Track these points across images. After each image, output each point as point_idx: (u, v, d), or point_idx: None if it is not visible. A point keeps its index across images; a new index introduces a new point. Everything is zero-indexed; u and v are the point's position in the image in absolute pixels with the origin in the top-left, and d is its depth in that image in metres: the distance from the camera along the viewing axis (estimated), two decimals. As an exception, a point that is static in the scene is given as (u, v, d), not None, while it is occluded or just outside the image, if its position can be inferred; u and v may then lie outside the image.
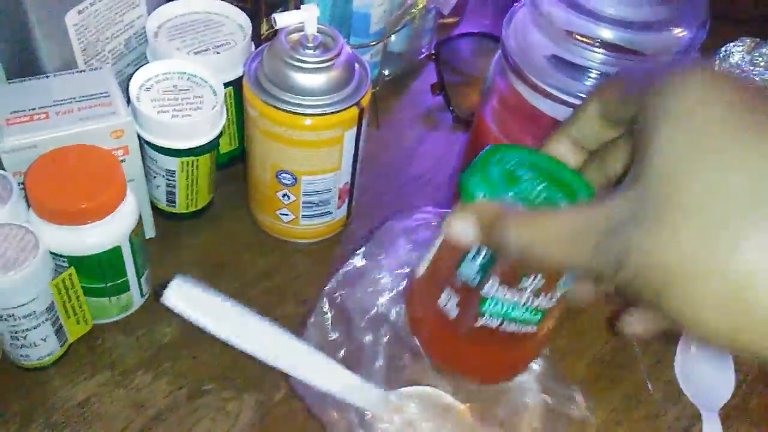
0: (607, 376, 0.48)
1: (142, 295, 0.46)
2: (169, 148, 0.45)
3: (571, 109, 0.37)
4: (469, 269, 0.33)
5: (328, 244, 0.54)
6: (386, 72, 0.67)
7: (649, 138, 0.23)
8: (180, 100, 0.45)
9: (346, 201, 0.52)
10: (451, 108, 0.64)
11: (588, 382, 0.47)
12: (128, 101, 0.45)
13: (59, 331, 0.42)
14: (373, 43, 0.61)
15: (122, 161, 0.44)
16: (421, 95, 0.67)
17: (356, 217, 0.55)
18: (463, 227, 0.29)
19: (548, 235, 0.26)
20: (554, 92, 0.38)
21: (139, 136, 0.45)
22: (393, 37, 0.63)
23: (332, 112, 0.44)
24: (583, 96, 0.36)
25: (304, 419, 0.44)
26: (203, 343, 0.46)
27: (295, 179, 0.47)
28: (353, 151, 0.48)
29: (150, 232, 0.50)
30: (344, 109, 0.45)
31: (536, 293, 0.32)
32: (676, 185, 0.22)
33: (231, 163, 0.56)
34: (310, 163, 0.47)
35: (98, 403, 0.43)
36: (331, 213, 0.51)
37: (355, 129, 0.46)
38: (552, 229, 0.26)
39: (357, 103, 0.45)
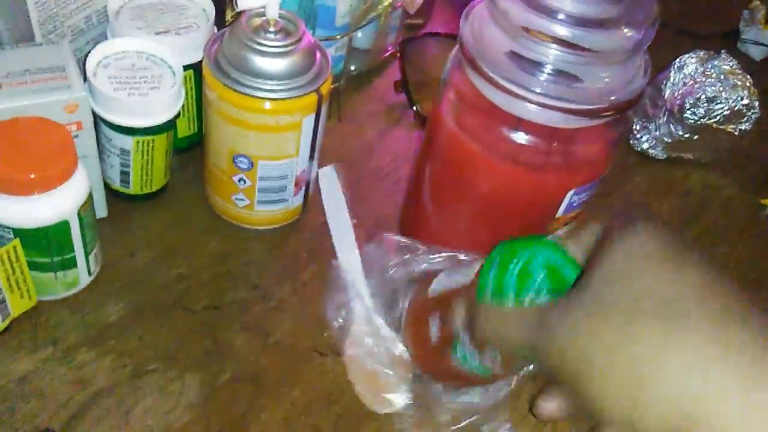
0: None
1: (90, 273, 0.46)
2: (123, 126, 0.45)
3: (527, 103, 0.39)
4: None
5: (284, 232, 0.54)
6: (351, 67, 0.67)
7: (598, 262, 0.30)
8: (138, 79, 0.45)
9: (303, 189, 0.52)
10: (413, 106, 0.65)
11: None
12: (85, 78, 0.44)
13: (2, 305, 0.42)
14: (338, 36, 0.61)
15: (75, 137, 0.43)
16: (384, 92, 0.67)
17: (313, 206, 0.55)
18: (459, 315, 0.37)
19: (500, 318, 0.33)
20: (511, 87, 0.39)
21: (94, 113, 0.44)
22: (359, 33, 0.63)
23: (291, 97, 0.44)
24: (538, 92, 0.38)
25: (249, 401, 0.43)
26: (150, 323, 0.46)
27: (252, 164, 0.47)
28: (311, 139, 0.48)
29: (102, 211, 0.50)
30: (303, 95, 0.45)
31: (492, 363, 0.37)
32: (607, 294, 0.29)
33: (189, 147, 0.56)
34: (268, 148, 0.47)
35: (38, 379, 0.42)
36: (286, 200, 0.51)
37: (313, 116, 0.46)
38: (504, 313, 0.33)
39: (316, 90, 0.45)
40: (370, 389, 0.45)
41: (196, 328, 0.46)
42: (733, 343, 0.25)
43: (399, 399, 0.44)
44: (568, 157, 0.42)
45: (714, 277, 0.28)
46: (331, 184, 0.55)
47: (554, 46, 0.38)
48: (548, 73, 0.39)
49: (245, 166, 0.48)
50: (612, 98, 0.39)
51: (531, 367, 0.41)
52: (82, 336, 0.44)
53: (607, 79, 0.40)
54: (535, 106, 0.39)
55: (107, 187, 0.50)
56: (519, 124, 0.41)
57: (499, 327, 0.33)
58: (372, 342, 0.46)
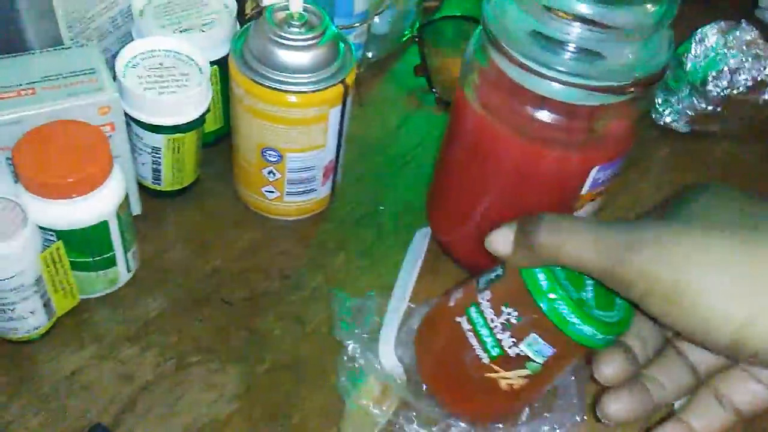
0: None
1: (129, 270, 0.47)
2: (155, 125, 0.46)
3: (551, 82, 0.39)
4: (483, 275, 0.38)
5: (312, 222, 0.54)
6: (370, 54, 0.67)
7: (682, 204, 0.31)
8: (166, 78, 0.46)
9: (331, 179, 0.52)
10: (433, 89, 0.65)
11: None
12: (114, 78, 0.45)
13: (47, 305, 0.43)
14: (357, 24, 0.61)
15: (109, 138, 0.44)
16: (404, 77, 0.68)
17: (339, 195, 0.56)
18: (503, 236, 0.34)
19: (573, 231, 0.31)
20: (534, 66, 0.39)
21: (125, 113, 0.45)
22: (377, 19, 0.64)
23: (317, 90, 0.45)
24: (561, 70, 0.38)
25: (289, 389, 0.44)
26: (188, 317, 0.47)
27: (281, 156, 0.48)
28: (338, 129, 0.49)
29: (136, 209, 0.51)
30: (329, 87, 0.45)
31: (505, 326, 0.36)
32: (691, 207, 0.29)
33: (217, 141, 0.56)
34: (296, 141, 0.47)
35: (86, 375, 0.43)
36: (315, 190, 0.52)
37: (340, 107, 0.47)
38: (579, 226, 0.31)
39: (342, 81, 0.46)
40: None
41: (233, 319, 0.48)
42: None
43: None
44: (592, 135, 0.43)
45: None
46: (420, 245, 0.53)
47: (576, 24, 0.38)
48: (571, 51, 0.39)
49: (274, 159, 0.48)
50: (635, 74, 0.39)
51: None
52: (125, 332, 0.46)
53: (630, 55, 0.40)
54: (559, 85, 0.39)
55: (139, 184, 0.51)
56: (543, 102, 0.41)
57: (564, 242, 0.31)
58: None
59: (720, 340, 0.27)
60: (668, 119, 0.66)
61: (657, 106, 0.66)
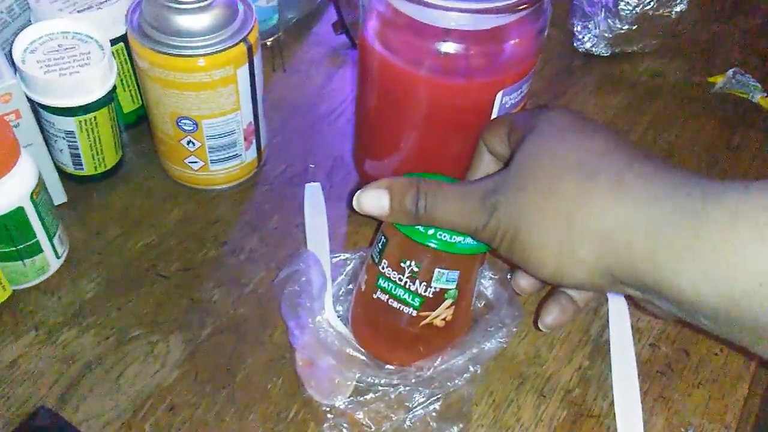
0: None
1: (58, 257, 0.47)
2: (62, 108, 0.46)
3: (446, 12, 0.39)
4: (374, 251, 0.41)
5: (244, 188, 0.55)
6: (289, 15, 0.67)
7: (518, 144, 0.36)
8: (67, 59, 0.45)
9: (254, 142, 0.53)
10: (354, 44, 0.65)
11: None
12: (14, 66, 0.45)
13: (-23, 299, 0.43)
14: (266, -13, 0.61)
15: (16, 126, 0.44)
16: (325, 36, 0.68)
17: (270, 158, 0.56)
18: (377, 198, 0.38)
19: (445, 201, 0.37)
20: (436, 1, 0.39)
21: (30, 100, 0.45)
22: (287, -20, 0.63)
23: (219, 51, 0.45)
24: None
25: (231, 350, 0.45)
26: (126, 294, 0.47)
27: (196, 124, 0.48)
28: (249, 90, 0.48)
29: (61, 197, 0.51)
30: (231, 47, 0.45)
31: (412, 278, 0.39)
32: (531, 166, 0.35)
33: (138, 121, 0.56)
34: (208, 106, 0.47)
35: (26, 362, 0.43)
36: (239, 155, 0.52)
37: (247, 66, 0.47)
38: (448, 194, 0.37)
39: (244, 39, 0.46)
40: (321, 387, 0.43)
41: (172, 291, 0.48)
42: (632, 189, 0.32)
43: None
44: (493, 59, 0.43)
45: (618, 140, 0.34)
46: (315, 198, 0.53)
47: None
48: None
49: (190, 128, 0.48)
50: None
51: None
52: (62, 316, 0.46)
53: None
54: (456, 13, 0.40)
55: (62, 172, 0.51)
56: (443, 34, 0.41)
57: (438, 211, 0.37)
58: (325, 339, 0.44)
59: (546, 278, 0.35)
60: (588, 45, 0.67)
61: (576, 33, 0.67)
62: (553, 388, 0.45)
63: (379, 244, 0.41)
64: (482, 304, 0.46)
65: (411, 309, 0.40)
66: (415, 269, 0.39)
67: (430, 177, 0.39)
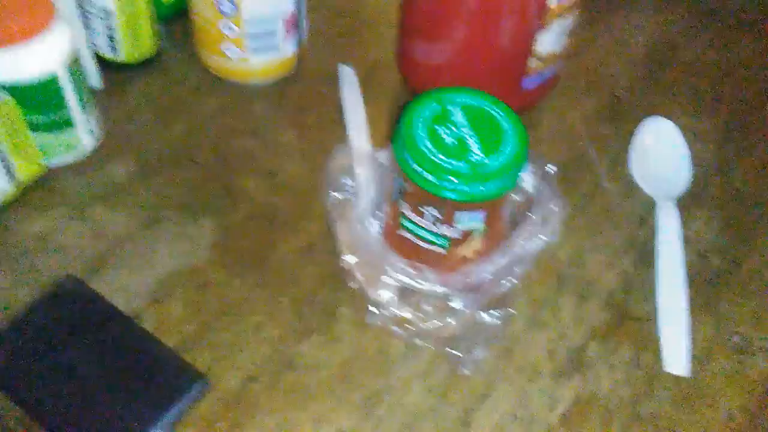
0: (563, 181, 0.48)
1: (91, 136, 0.46)
2: (100, -19, 0.44)
3: None
4: (394, 190, 0.39)
5: (282, 84, 0.53)
6: None
7: None
8: (106, -71, 0.44)
9: (294, 35, 0.51)
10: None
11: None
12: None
13: (8, 168, 0.42)
14: None
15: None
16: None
17: (310, 57, 0.54)
18: None
19: None
20: None
21: (69, -27, 0.44)
22: None
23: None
24: None
25: (265, 235, 0.44)
26: (158, 178, 0.46)
27: (235, 6, 0.46)
28: (293, -26, 0.47)
29: (96, 82, 0.50)
30: None
31: (435, 221, 0.37)
32: None
33: (175, 15, 0.55)
34: (248, -13, 0.46)
35: (56, 234, 0.43)
36: (278, 47, 0.50)
37: (291, -54, 0.45)
38: None
39: None
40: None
41: (205, 177, 0.47)
42: None
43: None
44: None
45: None
46: (350, 81, 0.52)
47: None
48: None
49: (229, 10, 0.47)
50: None
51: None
52: (94, 194, 0.45)
53: None
54: None
55: (99, 57, 0.50)
56: None
57: None
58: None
59: None
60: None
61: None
62: (594, 291, 0.43)
63: (398, 186, 0.38)
64: (523, 200, 0.44)
65: (440, 249, 0.39)
66: (437, 215, 0.37)
67: (465, 93, 0.38)
